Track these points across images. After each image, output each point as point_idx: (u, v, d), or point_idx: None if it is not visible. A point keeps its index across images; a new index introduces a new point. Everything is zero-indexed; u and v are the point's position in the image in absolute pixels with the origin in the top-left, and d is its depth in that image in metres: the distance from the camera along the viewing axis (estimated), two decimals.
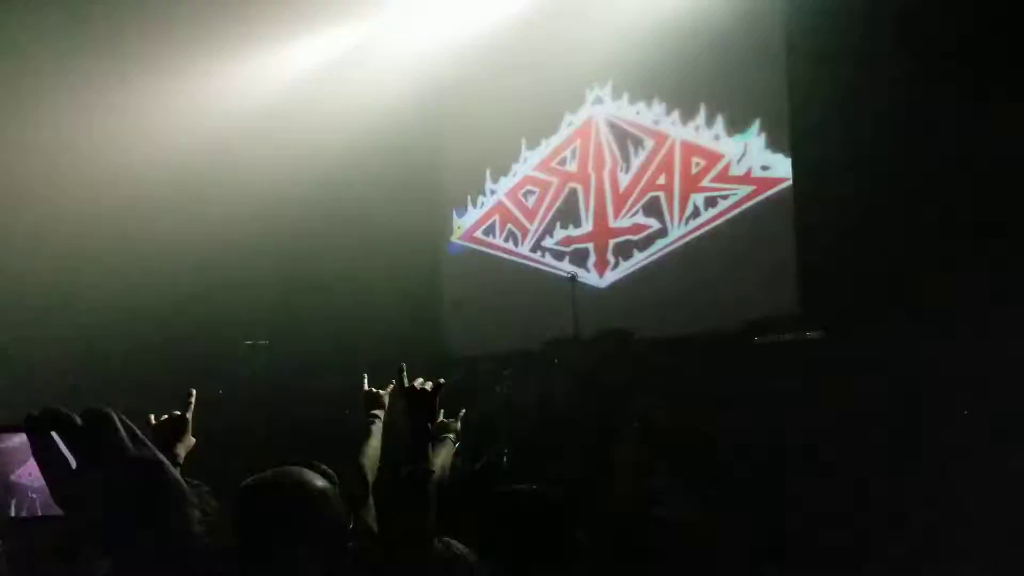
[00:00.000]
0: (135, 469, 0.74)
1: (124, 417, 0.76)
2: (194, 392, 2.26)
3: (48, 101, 7.46)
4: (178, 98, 8.08)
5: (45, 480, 0.73)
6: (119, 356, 7.46)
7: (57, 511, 0.74)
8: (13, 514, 0.78)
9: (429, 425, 1.81)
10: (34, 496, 0.78)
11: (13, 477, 0.74)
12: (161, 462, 0.76)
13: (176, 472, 0.76)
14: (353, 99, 8.57)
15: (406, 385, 1.88)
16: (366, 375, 1.95)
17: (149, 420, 2.09)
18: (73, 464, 0.73)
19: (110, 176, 7.66)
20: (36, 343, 7.12)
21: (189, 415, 2.18)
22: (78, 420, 0.75)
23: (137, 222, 7.87)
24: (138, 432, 0.76)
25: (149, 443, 0.76)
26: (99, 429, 0.75)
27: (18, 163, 7.37)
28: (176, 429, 2.09)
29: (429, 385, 1.87)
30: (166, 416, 2.14)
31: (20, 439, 0.77)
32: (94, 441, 0.74)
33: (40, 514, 0.76)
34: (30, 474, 0.77)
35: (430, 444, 1.79)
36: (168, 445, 2.03)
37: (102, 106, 7.56)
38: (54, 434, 0.74)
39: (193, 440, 2.18)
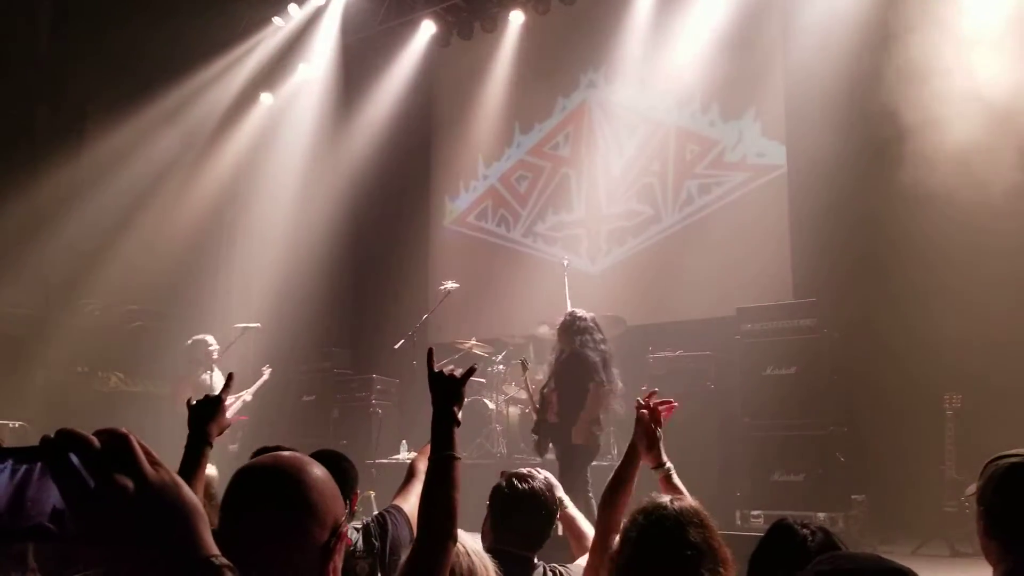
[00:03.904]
0: (153, 491, 0.74)
1: (140, 439, 0.77)
2: (234, 375, 2.35)
3: None
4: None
5: (64, 503, 0.73)
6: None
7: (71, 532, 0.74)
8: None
9: (455, 410, 1.82)
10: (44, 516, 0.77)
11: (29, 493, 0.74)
12: (179, 484, 0.76)
13: (192, 493, 0.77)
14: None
15: (435, 370, 1.88)
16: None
17: (189, 401, 2.15)
18: (92, 486, 0.73)
19: None
20: None
21: (226, 396, 2.24)
22: (95, 442, 0.75)
23: None
24: (154, 453, 0.77)
25: (165, 464, 0.77)
26: (117, 450, 0.75)
27: None
28: (212, 410, 2.13)
29: (459, 372, 1.88)
30: (205, 396, 2.19)
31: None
32: (112, 463, 0.75)
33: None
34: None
35: (455, 429, 1.81)
36: (202, 424, 2.11)
37: None
38: (72, 456, 0.74)
39: (229, 422, 2.24)
